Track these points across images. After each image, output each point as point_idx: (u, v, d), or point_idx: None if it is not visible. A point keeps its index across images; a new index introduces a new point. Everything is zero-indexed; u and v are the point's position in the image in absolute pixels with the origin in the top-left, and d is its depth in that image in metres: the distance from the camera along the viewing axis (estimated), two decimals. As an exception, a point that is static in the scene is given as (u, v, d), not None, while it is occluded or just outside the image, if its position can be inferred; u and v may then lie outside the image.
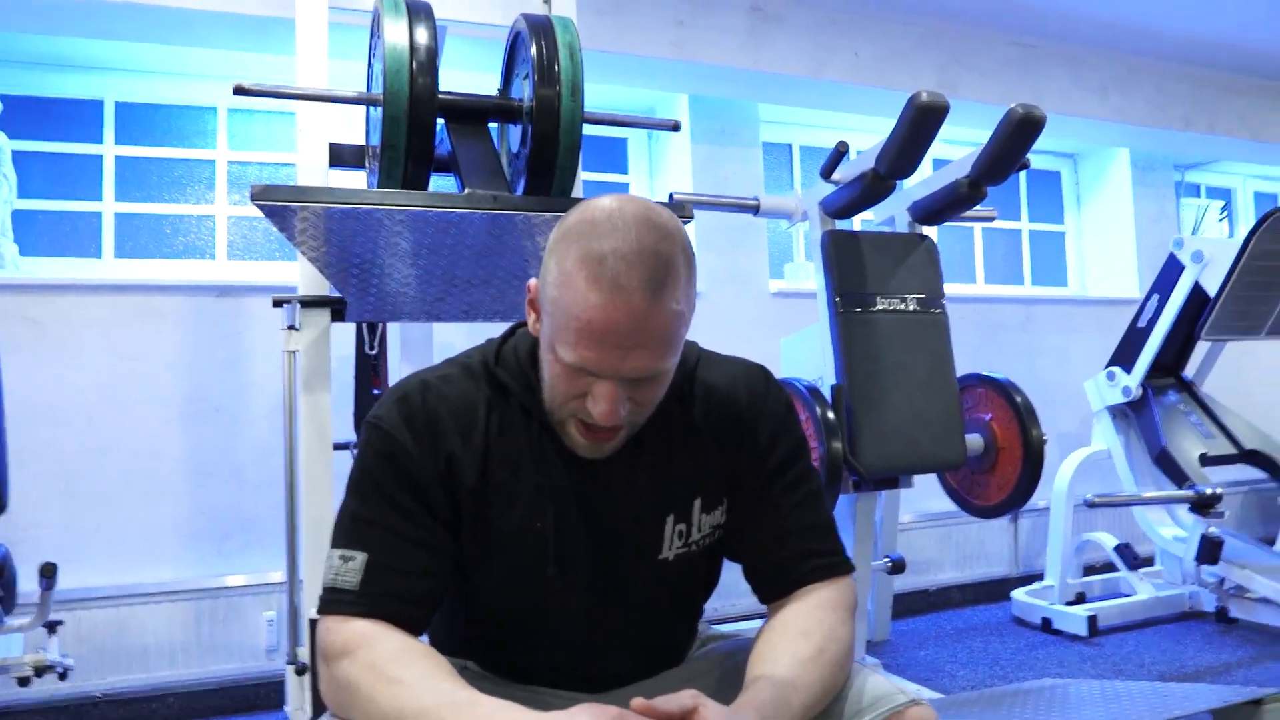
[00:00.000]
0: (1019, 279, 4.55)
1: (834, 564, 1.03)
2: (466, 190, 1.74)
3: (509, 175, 2.07)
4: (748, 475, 1.04)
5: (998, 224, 4.41)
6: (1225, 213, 4.93)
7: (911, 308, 2.47)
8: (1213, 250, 3.22)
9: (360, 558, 0.92)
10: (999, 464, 2.66)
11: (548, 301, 0.90)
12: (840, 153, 2.34)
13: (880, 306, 2.44)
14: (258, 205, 1.57)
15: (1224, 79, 4.30)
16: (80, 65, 2.88)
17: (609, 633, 1.03)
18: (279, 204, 1.59)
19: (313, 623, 1.86)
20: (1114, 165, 4.51)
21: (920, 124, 2.17)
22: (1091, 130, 4.07)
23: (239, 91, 1.77)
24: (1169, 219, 4.55)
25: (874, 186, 2.33)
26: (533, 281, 0.95)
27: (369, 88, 2.03)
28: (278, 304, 1.97)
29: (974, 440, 2.65)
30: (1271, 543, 3.38)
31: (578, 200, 1.81)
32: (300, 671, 1.84)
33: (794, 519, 1.04)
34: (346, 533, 0.95)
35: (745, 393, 1.06)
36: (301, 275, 2.00)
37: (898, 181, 2.34)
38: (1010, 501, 2.61)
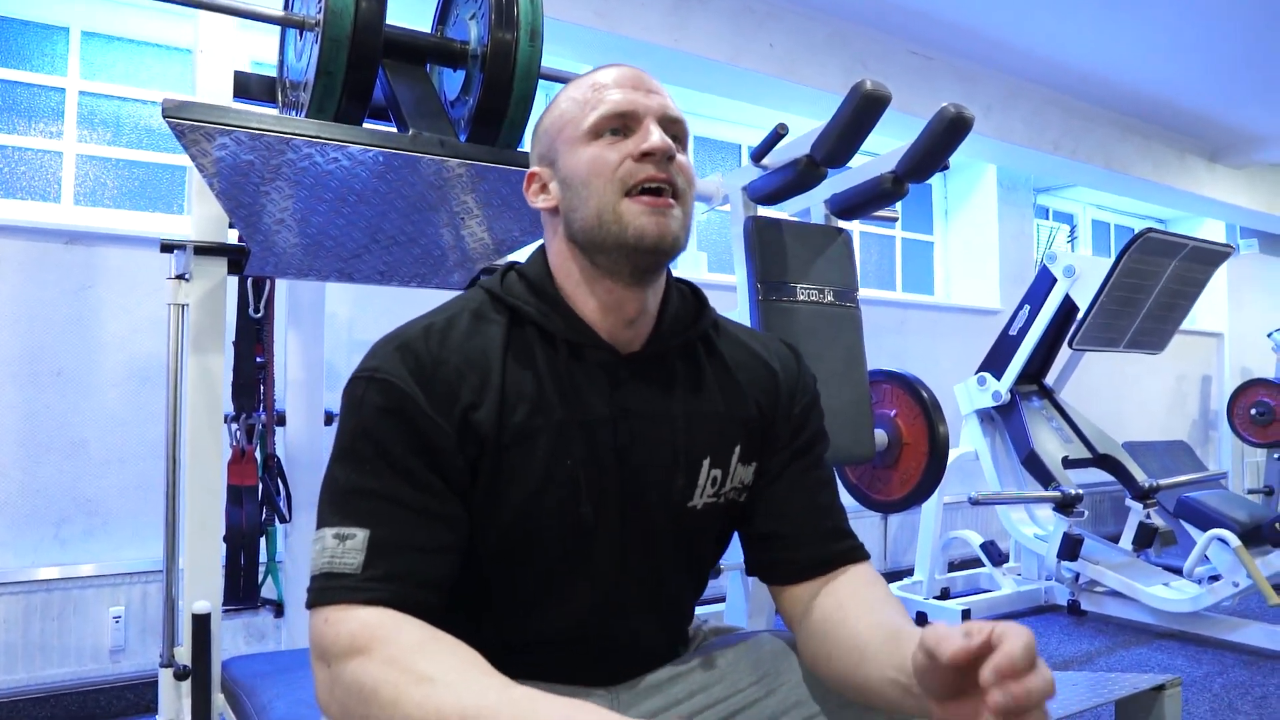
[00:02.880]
0: (891, 284, 4.70)
1: (861, 547, 0.98)
2: (411, 132, 1.55)
3: (442, 125, 1.88)
4: (781, 441, 0.98)
5: (873, 230, 4.55)
6: (1072, 236, 5.30)
7: (829, 299, 2.46)
8: (1083, 266, 3.42)
9: (360, 535, 0.78)
10: (902, 460, 2.69)
11: (558, 131, 0.91)
12: (779, 134, 2.29)
13: (800, 297, 2.41)
14: (169, 121, 1.32)
15: (1088, 109, 4.60)
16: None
17: (632, 589, 0.93)
18: (194, 123, 1.35)
19: (198, 618, 1.62)
20: (982, 181, 4.74)
21: (863, 112, 2.15)
22: (971, 145, 4.24)
23: (138, -7, 1.49)
24: (1028, 237, 4.84)
25: (807, 173, 2.30)
26: (532, 169, 0.94)
27: (289, 10, 1.78)
28: (167, 249, 1.70)
29: (879, 435, 2.66)
30: (1117, 540, 3.63)
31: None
32: (180, 676, 1.58)
33: (826, 495, 0.99)
34: (340, 507, 0.80)
35: (779, 359, 1.02)
36: (196, 217, 1.74)
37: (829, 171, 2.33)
38: (913, 497, 2.65)
